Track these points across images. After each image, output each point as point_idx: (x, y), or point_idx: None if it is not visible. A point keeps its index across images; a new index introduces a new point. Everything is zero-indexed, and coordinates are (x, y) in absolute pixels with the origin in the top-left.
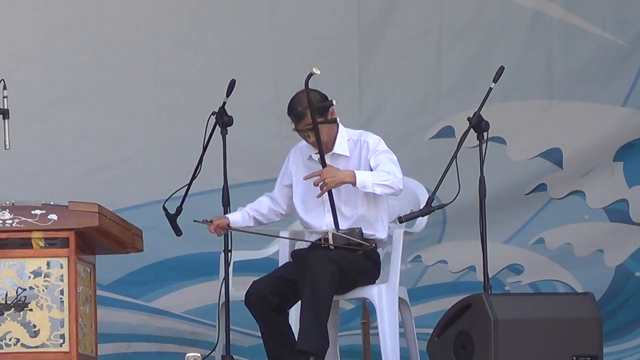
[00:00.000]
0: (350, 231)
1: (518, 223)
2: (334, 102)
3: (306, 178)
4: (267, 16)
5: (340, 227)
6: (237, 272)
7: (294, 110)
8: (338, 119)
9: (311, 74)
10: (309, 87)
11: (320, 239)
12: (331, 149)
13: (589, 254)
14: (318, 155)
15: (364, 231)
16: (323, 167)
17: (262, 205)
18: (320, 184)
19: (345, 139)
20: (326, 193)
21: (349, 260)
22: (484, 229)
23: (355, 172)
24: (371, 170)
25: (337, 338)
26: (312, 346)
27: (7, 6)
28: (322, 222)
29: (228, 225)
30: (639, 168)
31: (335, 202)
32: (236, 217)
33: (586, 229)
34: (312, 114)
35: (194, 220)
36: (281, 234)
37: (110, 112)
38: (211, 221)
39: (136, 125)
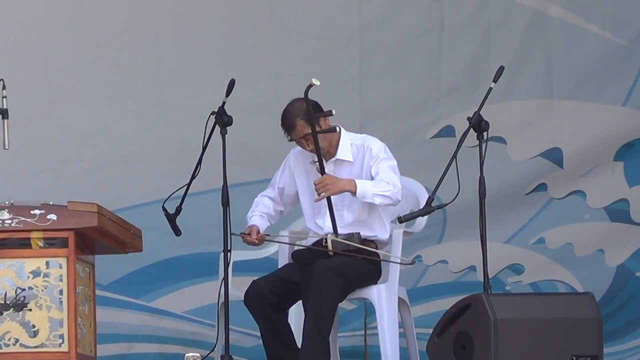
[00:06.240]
0: (349, 236)
1: (518, 223)
2: (334, 112)
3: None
4: (267, 16)
5: (342, 231)
6: (237, 272)
7: (285, 122)
8: (338, 128)
9: (310, 85)
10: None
11: (319, 243)
12: (334, 155)
13: (590, 253)
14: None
15: (365, 234)
16: (322, 174)
17: (267, 207)
18: (319, 190)
19: (348, 144)
20: (325, 198)
21: (351, 266)
22: (484, 228)
23: (356, 181)
24: (372, 177)
25: (337, 338)
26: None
27: (7, 6)
28: (321, 226)
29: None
30: (639, 168)
31: (337, 207)
32: (259, 223)
33: (587, 228)
34: (312, 125)
35: (232, 233)
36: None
37: (109, 111)
38: (249, 233)
39: (136, 124)
